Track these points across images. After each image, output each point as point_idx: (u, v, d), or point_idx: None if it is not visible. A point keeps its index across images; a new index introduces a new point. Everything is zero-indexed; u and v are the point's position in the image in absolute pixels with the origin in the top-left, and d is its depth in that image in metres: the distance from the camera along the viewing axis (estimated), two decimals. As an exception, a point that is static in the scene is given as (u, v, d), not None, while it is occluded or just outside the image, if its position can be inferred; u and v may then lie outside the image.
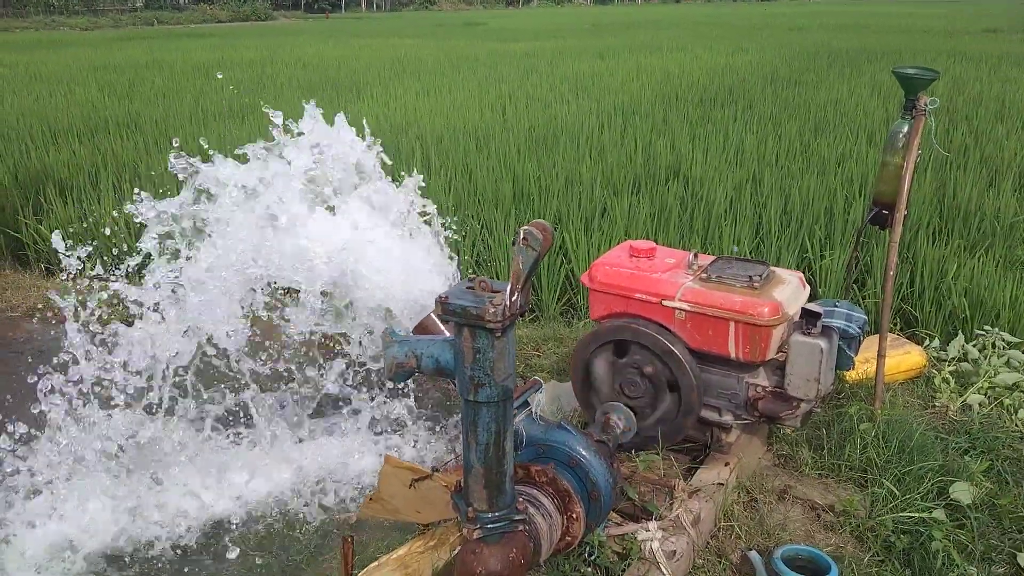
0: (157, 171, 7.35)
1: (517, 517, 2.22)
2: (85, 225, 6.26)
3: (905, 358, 3.93)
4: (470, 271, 5.31)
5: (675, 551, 2.60)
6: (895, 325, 4.50)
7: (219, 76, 14.71)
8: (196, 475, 3.23)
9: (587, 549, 2.58)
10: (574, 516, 2.42)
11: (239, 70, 17.11)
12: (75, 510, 2.99)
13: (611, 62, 16.90)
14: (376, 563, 2.36)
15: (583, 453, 2.50)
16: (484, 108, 10.82)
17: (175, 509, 3.10)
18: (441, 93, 12.49)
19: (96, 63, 19.40)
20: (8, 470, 3.13)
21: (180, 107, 11.52)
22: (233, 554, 2.94)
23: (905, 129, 3.32)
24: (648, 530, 2.61)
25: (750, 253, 5.26)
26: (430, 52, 21.18)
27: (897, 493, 2.94)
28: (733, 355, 2.92)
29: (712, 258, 3.20)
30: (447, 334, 2.86)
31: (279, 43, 26.36)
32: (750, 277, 2.95)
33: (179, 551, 2.97)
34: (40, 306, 5.44)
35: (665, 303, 2.96)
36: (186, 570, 2.88)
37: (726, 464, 3.10)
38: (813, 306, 2.95)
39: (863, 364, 3.62)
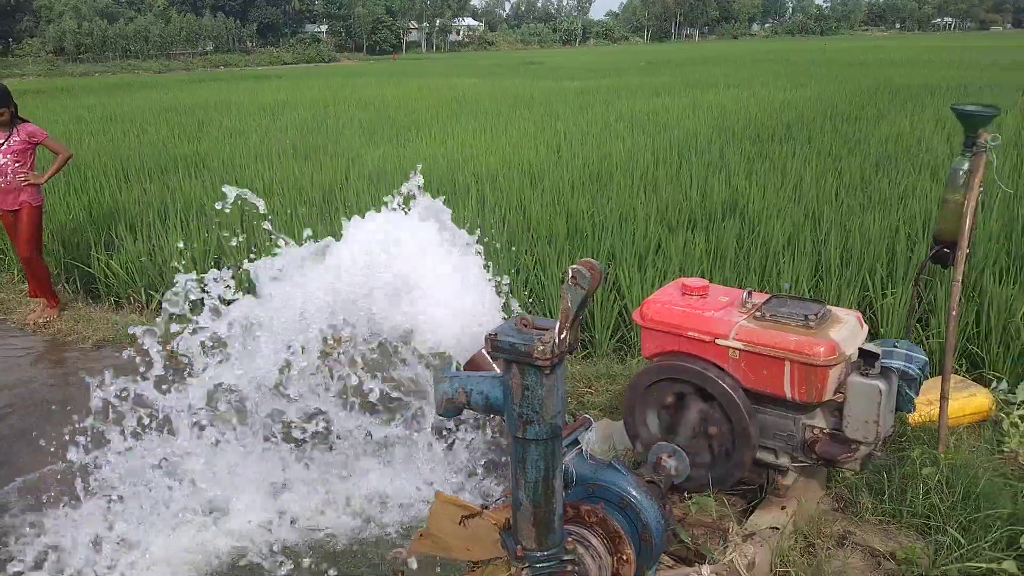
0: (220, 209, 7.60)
1: (566, 557, 2.20)
2: (152, 260, 6.49)
3: (970, 400, 3.79)
4: (524, 307, 5.33)
5: (728, 596, 2.54)
6: (960, 366, 4.36)
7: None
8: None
9: (637, 592, 2.54)
10: (624, 558, 2.39)
11: (303, 110, 17.64)
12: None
13: (666, 99, 16.94)
14: (426, 600, 2.36)
15: (634, 494, 2.47)
16: (539, 145, 10.93)
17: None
18: (497, 131, 12.66)
19: (167, 104, 20.26)
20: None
21: (246, 147, 11.91)
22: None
23: (966, 166, 3.25)
24: (701, 574, 2.56)
25: (809, 292, 5.17)
26: (487, 91, 21.54)
27: (963, 542, 2.83)
28: (789, 396, 2.86)
29: (767, 296, 3.15)
30: (498, 371, 2.88)
31: (341, 84, 27.16)
32: (806, 316, 2.90)
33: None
34: (110, 338, 5.65)
35: (719, 342, 2.93)
36: None
37: (782, 508, 3.02)
38: (871, 346, 2.88)
39: (926, 406, 3.51)
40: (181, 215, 7.46)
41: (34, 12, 73.82)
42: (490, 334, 2.06)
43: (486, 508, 2.55)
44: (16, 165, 5.78)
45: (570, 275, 1.96)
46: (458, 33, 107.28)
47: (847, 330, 2.93)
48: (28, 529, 3.30)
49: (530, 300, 5.50)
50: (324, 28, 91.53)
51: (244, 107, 18.84)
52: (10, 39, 70.17)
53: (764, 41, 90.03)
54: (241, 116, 16.71)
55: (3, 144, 5.75)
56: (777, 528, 2.91)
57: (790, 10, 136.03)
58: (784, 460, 3.03)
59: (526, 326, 2.02)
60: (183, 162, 10.57)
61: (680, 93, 18.29)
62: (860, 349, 2.88)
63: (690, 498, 3.04)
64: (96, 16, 73.47)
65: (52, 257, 7.04)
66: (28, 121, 5.90)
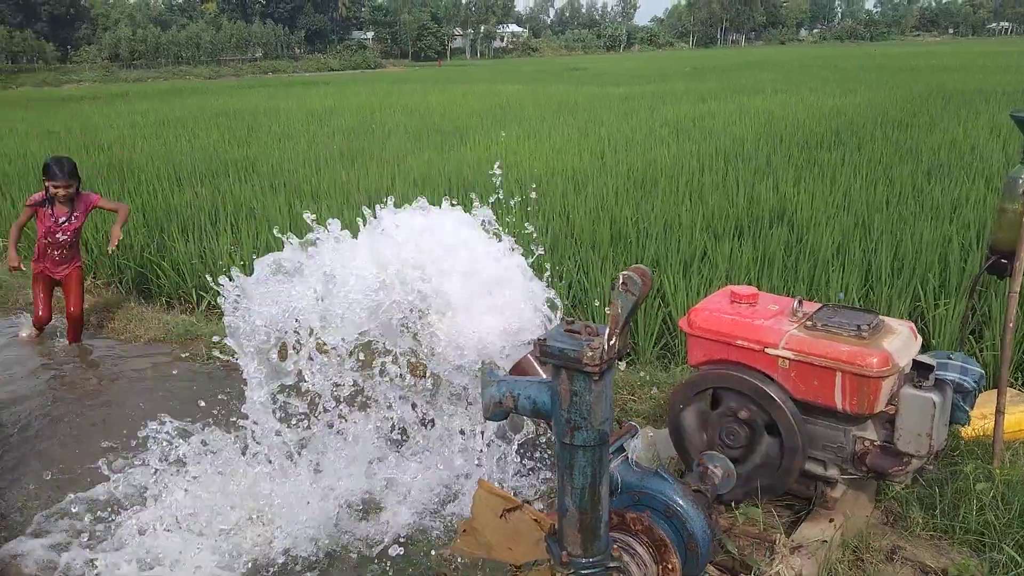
0: (270, 211, 7.75)
1: (612, 564, 2.20)
2: (204, 262, 6.62)
3: (1028, 415, 3.69)
4: (566, 314, 5.32)
5: (775, 609, 2.51)
6: (1016, 380, 4.24)
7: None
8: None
9: (682, 601, 2.52)
10: (670, 567, 2.37)
11: (349, 116, 17.87)
12: None
13: (712, 105, 16.80)
14: (469, 604, 2.37)
15: (680, 503, 2.46)
16: (583, 152, 10.92)
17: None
18: (541, 137, 12.68)
19: (218, 110, 20.69)
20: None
21: (294, 152, 12.11)
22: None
23: (1025, 175, 3.17)
24: (747, 585, 2.53)
25: (859, 301, 5.08)
26: (531, 97, 21.59)
27: (1020, 560, 2.75)
28: (839, 407, 2.82)
29: (818, 305, 3.11)
30: (543, 375, 2.89)
31: (387, 90, 27.47)
32: (858, 326, 2.85)
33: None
34: (161, 337, 5.78)
35: (768, 351, 2.90)
36: None
37: (830, 520, 2.97)
38: (925, 358, 2.83)
39: (980, 420, 3.42)
40: (231, 218, 7.61)
41: (91, 20, 76.02)
42: (539, 339, 2.07)
43: (528, 503, 2.56)
44: (74, 240, 5.63)
45: (621, 281, 1.96)
46: (502, 40, 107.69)
47: (900, 341, 2.88)
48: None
49: (573, 307, 5.50)
50: (370, 35, 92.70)
51: (292, 113, 19.15)
52: (69, 46, 72.31)
53: (812, 47, 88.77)
54: (290, 122, 16.99)
55: (65, 221, 5.51)
56: (825, 541, 2.86)
57: (839, 15, 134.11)
58: (833, 472, 2.99)
59: (590, 333, 2.01)
60: (233, 166, 10.78)
61: (726, 99, 18.13)
62: (914, 360, 2.82)
63: (737, 508, 3.01)
64: (150, 23, 75.41)
65: (107, 258, 7.23)
66: (84, 192, 5.69)
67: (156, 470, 3.52)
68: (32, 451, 4.14)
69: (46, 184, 5.43)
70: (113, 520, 3.38)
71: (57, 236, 5.54)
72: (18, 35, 65.73)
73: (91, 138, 15.20)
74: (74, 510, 3.47)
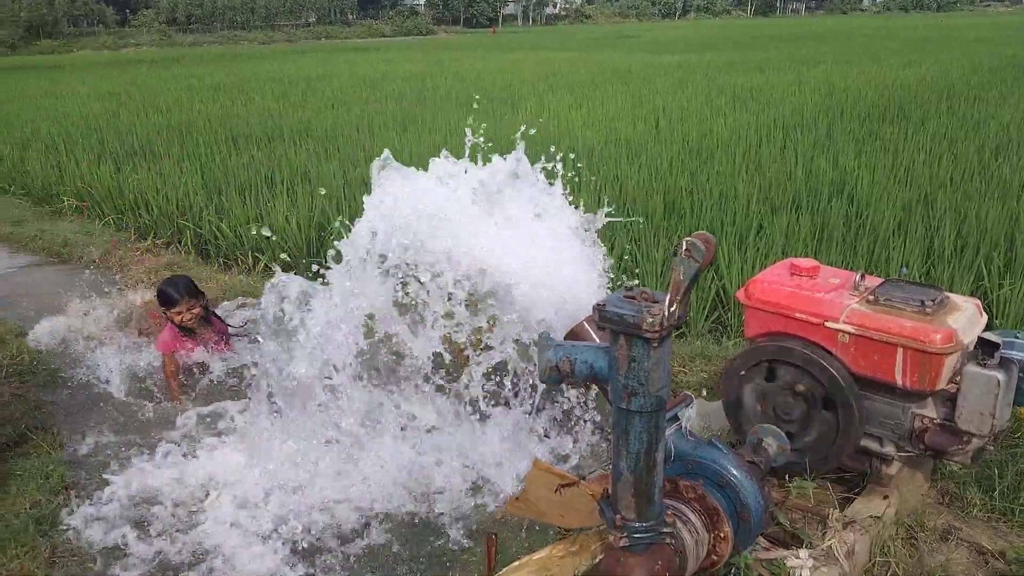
0: (324, 177, 7.83)
1: (665, 530, 2.21)
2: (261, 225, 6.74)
3: (1095, 399, 3.58)
4: (618, 284, 5.30)
5: (827, 582, 2.50)
6: (1084, 363, 4.11)
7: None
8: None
9: (732, 571, 2.52)
10: (722, 536, 2.38)
11: (401, 82, 17.89)
12: None
13: (771, 75, 16.43)
14: (517, 563, 2.40)
15: (734, 473, 2.45)
16: (637, 120, 10.79)
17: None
18: (593, 105, 12.55)
19: (272, 75, 20.88)
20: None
21: (348, 117, 12.19)
22: (381, 539, 3.08)
23: (1107, 149, 3.05)
24: (799, 557, 2.52)
25: (920, 278, 4.97)
26: (584, 64, 21.34)
27: (1082, 545, 2.69)
28: (900, 383, 2.77)
29: (880, 280, 3.05)
30: (598, 342, 2.89)
31: (438, 57, 27.40)
32: (922, 302, 2.79)
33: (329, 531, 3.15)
34: (218, 296, 5.90)
35: (828, 324, 2.85)
36: (334, 548, 3.05)
37: (885, 497, 2.94)
38: (992, 336, 2.75)
39: (1045, 403, 3.34)
40: (287, 182, 7.71)
41: (149, -17, 76.89)
42: (598, 304, 2.07)
43: (583, 479, 2.57)
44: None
45: (684, 247, 1.94)
46: (555, 6, 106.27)
47: (965, 318, 2.81)
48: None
49: (624, 276, 5.47)
50: (422, 1, 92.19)
51: (345, 79, 19.24)
52: (127, 10, 73.41)
53: (876, 17, 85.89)
54: (343, 87, 17.08)
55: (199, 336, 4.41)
56: (878, 517, 2.83)
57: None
58: (889, 449, 2.94)
59: (645, 299, 2.01)
60: (288, 131, 10.90)
61: (785, 69, 17.69)
62: (979, 338, 2.75)
63: (791, 481, 2.99)
64: (207, -13, 75.94)
65: (167, 218, 7.40)
66: (216, 315, 4.67)
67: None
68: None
69: (167, 315, 4.35)
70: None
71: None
72: (79, -1, 66.92)
73: (149, 101, 15.51)
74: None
